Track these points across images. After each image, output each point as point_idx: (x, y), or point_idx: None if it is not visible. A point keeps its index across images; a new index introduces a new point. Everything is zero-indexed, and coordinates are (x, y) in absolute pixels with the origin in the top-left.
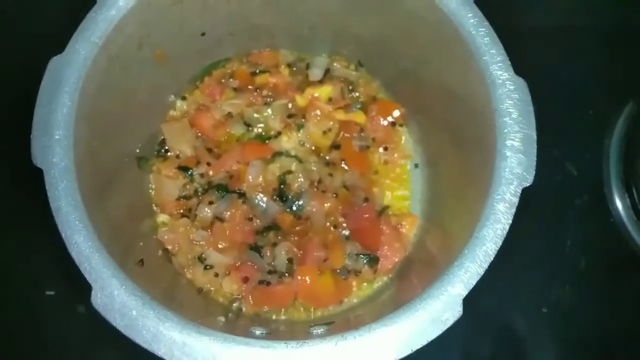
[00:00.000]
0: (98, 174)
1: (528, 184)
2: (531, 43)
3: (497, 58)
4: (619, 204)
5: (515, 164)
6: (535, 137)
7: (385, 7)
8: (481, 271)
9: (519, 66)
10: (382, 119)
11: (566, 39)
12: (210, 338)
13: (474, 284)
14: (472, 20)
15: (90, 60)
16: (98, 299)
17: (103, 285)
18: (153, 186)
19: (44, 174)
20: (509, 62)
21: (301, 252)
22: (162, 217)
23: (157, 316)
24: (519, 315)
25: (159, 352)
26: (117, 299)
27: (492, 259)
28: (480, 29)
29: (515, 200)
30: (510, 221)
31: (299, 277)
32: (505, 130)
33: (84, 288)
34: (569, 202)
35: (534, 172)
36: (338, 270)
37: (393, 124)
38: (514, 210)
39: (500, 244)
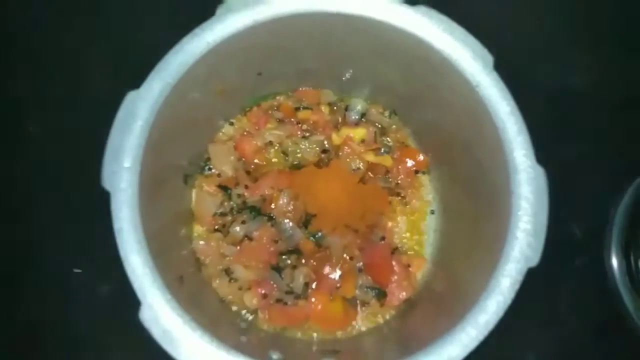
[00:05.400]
0: (151, 192)
1: (534, 265)
2: (550, 104)
3: (523, 145)
4: (615, 269)
5: (524, 245)
6: (546, 223)
7: (426, 75)
8: (481, 337)
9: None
10: (407, 165)
11: (583, 104)
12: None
13: (473, 347)
14: (506, 109)
15: (162, 97)
16: (145, 314)
17: (151, 303)
18: (194, 199)
19: (110, 196)
20: (532, 151)
21: (317, 277)
22: (197, 229)
23: (194, 335)
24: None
25: None
26: (162, 316)
27: (492, 327)
28: (512, 117)
29: (520, 278)
30: (513, 296)
31: (313, 300)
32: (520, 213)
33: (108, 269)
34: (569, 260)
35: (541, 254)
36: (348, 299)
37: (416, 171)
38: (517, 286)
39: (502, 315)
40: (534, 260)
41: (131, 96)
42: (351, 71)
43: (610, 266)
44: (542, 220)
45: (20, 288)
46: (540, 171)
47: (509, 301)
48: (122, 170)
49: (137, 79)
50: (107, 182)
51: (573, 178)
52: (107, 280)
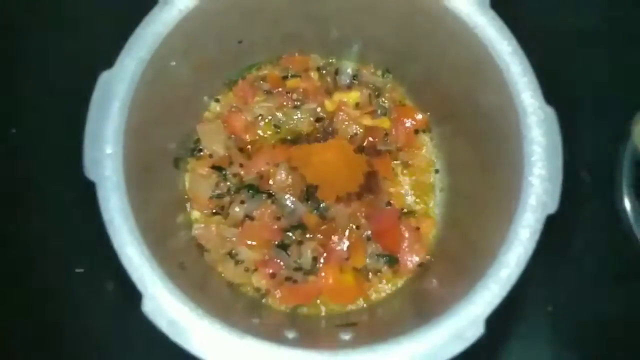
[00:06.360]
0: (141, 179)
1: (552, 212)
2: (549, 45)
3: (529, 86)
4: (628, 209)
5: (541, 192)
6: (561, 166)
7: (419, 24)
8: (504, 293)
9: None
10: (405, 125)
11: (584, 42)
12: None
13: (496, 304)
14: (508, 48)
15: (138, 75)
16: (148, 307)
17: (153, 293)
18: (188, 183)
19: (96, 186)
20: (540, 91)
21: (325, 251)
22: (195, 214)
23: (203, 323)
24: (523, 314)
25: (203, 356)
26: (166, 307)
27: (514, 282)
28: (515, 57)
29: (539, 227)
30: (534, 246)
31: (323, 274)
32: (533, 158)
33: (112, 267)
34: (579, 206)
35: (558, 200)
36: (359, 269)
37: (416, 130)
38: (537, 236)
39: (523, 268)
40: (552, 207)
41: (104, 76)
42: (337, 31)
43: (623, 209)
44: (556, 164)
45: (23, 290)
46: (549, 112)
47: (530, 252)
48: (104, 157)
49: (110, 59)
50: (89, 171)
51: (574, 120)
52: (110, 279)
